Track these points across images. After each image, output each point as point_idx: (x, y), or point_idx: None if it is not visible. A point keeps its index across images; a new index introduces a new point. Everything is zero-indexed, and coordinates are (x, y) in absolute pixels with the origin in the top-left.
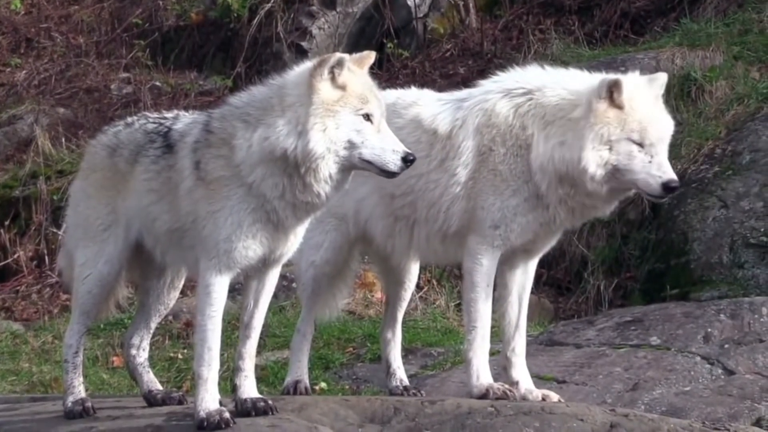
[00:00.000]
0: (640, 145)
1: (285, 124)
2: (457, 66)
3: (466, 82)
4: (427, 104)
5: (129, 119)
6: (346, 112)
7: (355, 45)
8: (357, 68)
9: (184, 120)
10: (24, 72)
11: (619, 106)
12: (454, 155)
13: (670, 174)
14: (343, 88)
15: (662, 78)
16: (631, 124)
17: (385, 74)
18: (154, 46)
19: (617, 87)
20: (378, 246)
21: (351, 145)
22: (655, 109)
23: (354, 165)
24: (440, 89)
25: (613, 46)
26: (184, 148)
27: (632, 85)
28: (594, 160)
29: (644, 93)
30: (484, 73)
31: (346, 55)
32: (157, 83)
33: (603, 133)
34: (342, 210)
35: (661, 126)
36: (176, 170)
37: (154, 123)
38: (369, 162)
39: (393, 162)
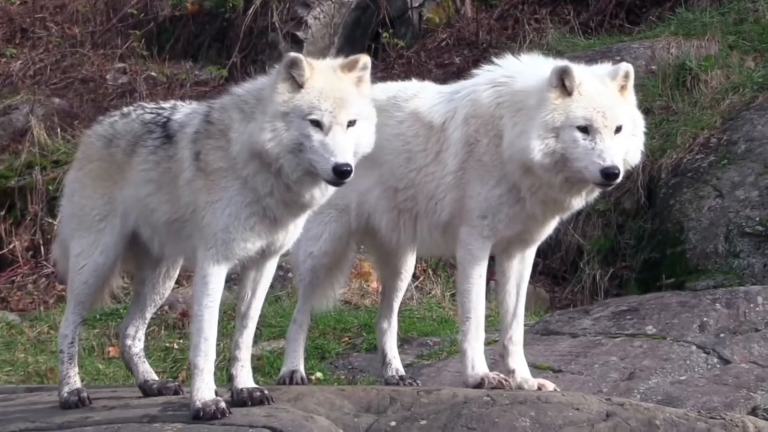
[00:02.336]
0: (585, 132)
1: (262, 119)
2: (452, 56)
3: (462, 72)
4: (426, 97)
5: (125, 109)
6: (295, 116)
7: (350, 35)
8: (329, 71)
9: (183, 110)
10: (19, 62)
11: (569, 94)
12: (447, 147)
13: (610, 161)
14: (298, 89)
15: (623, 68)
16: (576, 111)
17: (381, 64)
18: (149, 36)
19: (567, 74)
20: (382, 238)
21: (300, 149)
22: (605, 96)
23: (309, 169)
24: (436, 79)
25: (608, 35)
26: (183, 138)
27: (582, 73)
28: (540, 149)
29: (595, 81)
30: (479, 62)
31: (299, 56)
32: (153, 73)
33: (548, 120)
34: (343, 202)
35: (608, 113)
36: (176, 161)
37: (152, 113)
38: (315, 168)
39: (326, 171)
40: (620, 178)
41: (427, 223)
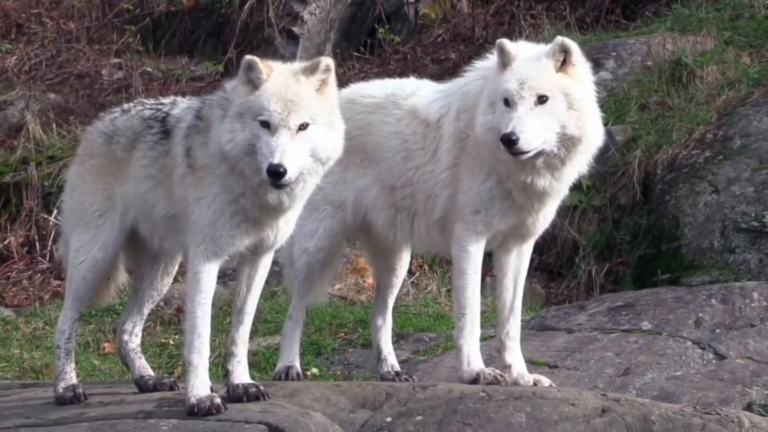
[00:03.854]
0: (508, 104)
1: (226, 120)
2: (448, 51)
3: (458, 68)
4: (424, 95)
5: (125, 106)
6: (249, 117)
7: (346, 30)
8: (287, 73)
9: (181, 105)
10: (14, 57)
11: (504, 69)
12: (442, 144)
13: (505, 129)
14: (253, 92)
15: (557, 43)
16: (501, 85)
17: (377, 60)
18: (145, 31)
19: (502, 50)
20: (378, 236)
21: (254, 150)
22: (531, 69)
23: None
24: (431, 74)
25: (604, 31)
26: (178, 134)
27: (520, 48)
28: (483, 124)
29: (529, 56)
30: (475, 58)
31: (255, 58)
32: (149, 69)
33: (488, 95)
34: (339, 198)
35: (526, 84)
36: (171, 156)
37: (152, 109)
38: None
39: (263, 171)
40: (530, 147)
41: (425, 221)
